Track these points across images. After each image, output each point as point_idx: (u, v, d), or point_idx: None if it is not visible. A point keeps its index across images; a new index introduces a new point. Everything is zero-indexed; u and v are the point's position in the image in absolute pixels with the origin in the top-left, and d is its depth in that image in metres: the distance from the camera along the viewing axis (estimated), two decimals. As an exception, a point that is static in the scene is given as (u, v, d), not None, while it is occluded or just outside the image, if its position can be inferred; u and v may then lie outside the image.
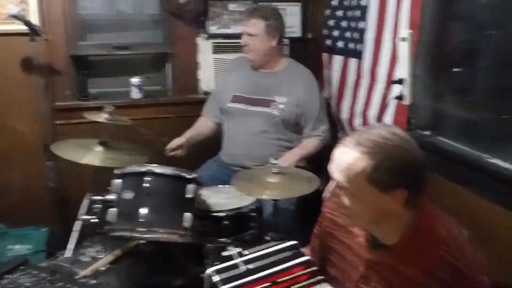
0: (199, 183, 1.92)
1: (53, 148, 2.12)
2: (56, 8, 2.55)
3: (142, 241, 2.06)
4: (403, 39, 1.77)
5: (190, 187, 1.85)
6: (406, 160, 1.06)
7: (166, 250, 2.11)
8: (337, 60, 2.57)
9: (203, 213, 1.99)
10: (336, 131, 2.71)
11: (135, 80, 2.76)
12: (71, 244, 1.96)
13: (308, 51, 2.94)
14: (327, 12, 2.64)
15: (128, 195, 1.81)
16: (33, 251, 2.70)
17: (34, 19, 2.49)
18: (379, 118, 2.15)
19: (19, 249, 2.73)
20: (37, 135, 2.60)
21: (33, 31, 2.33)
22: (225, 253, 1.41)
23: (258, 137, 2.37)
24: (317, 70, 2.81)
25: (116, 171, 1.88)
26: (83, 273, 1.85)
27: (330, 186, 1.16)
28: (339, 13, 2.52)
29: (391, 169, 1.05)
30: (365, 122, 2.30)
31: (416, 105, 2.04)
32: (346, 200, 1.13)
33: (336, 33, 2.57)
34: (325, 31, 2.69)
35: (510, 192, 1.50)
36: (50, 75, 2.63)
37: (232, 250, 1.41)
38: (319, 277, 1.28)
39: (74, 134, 2.63)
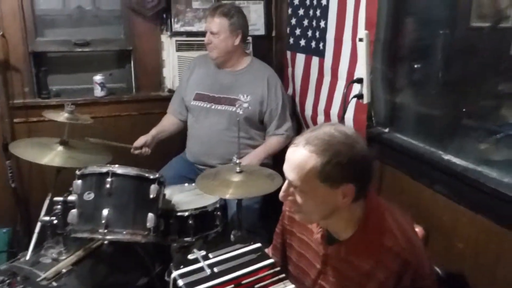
0: (162, 183, 1.92)
1: (11, 148, 2.07)
2: (11, 2, 2.46)
3: (105, 242, 2.04)
4: (360, 40, 1.81)
5: (153, 187, 1.84)
6: (352, 156, 1.11)
7: (129, 250, 2.10)
8: (300, 58, 2.60)
9: (167, 212, 1.99)
10: (301, 129, 2.76)
11: (98, 77, 2.71)
12: (31, 246, 1.93)
13: (272, 49, 2.96)
14: (289, 10, 2.66)
15: (90, 196, 1.79)
16: (2, 251, 2.64)
17: (-11, 14, 2.41)
18: (340, 116, 2.20)
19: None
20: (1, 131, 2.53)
21: (-13, 28, 2.26)
22: (190, 256, 1.42)
23: (221, 135, 2.38)
24: (281, 68, 2.86)
25: (77, 172, 1.86)
26: (44, 275, 1.82)
27: (284, 185, 1.20)
28: (301, 11, 2.56)
29: (339, 165, 1.10)
30: (327, 119, 2.35)
31: (375, 103, 2.11)
32: (299, 198, 1.18)
33: (298, 31, 2.60)
34: (288, 29, 2.72)
35: (461, 186, 1.58)
36: (8, 72, 2.55)
37: (197, 253, 1.43)
38: (281, 276, 1.32)
39: (34, 133, 2.58)
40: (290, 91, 2.78)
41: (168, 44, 2.80)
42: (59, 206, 1.90)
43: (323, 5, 2.31)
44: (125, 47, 2.77)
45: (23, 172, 2.65)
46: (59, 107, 2.63)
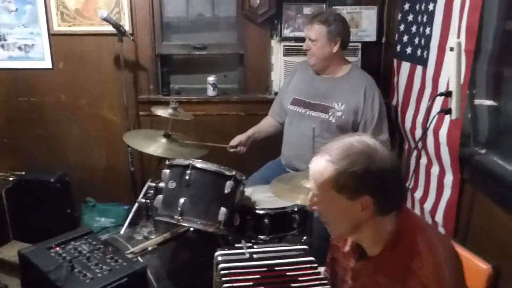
0: (239, 181, 2.02)
1: (125, 137, 2.39)
2: (144, 12, 2.84)
3: (190, 229, 2.23)
4: (451, 49, 1.65)
5: (229, 183, 1.96)
6: (368, 167, 1.08)
7: (211, 240, 2.26)
8: (405, 67, 2.46)
9: (245, 209, 2.10)
10: (403, 142, 2.61)
11: (210, 78, 2.96)
12: (126, 223, 2.22)
13: (381, 56, 2.85)
14: (399, 16, 2.53)
15: (172, 184, 1.98)
16: (114, 225, 3.09)
17: (126, 22, 2.83)
18: (436, 131, 2.03)
19: (104, 221, 3.14)
20: (123, 123, 2.95)
21: (120, 32, 2.65)
22: (237, 245, 1.53)
23: (311, 141, 2.38)
24: (389, 77, 2.73)
25: (167, 162, 2.08)
26: (132, 249, 2.08)
27: (309, 194, 1.20)
28: (410, 17, 2.41)
29: (354, 176, 1.08)
30: (424, 133, 2.18)
31: (476, 120, 1.89)
32: (321, 208, 1.19)
33: (405, 38, 2.46)
34: (396, 36, 2.59)
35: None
36: (137, 71, 2.96)
37: (244, 243, 1.52)
38: (320, 276, 1.34)
39: (155, 125, 2.92)
40: (395, 101, 2.64)
41: (277, 48, 2.90)
42: (152, 191, 2.16)
43: (429, 10, 2.15)
44: (238, 51, 2.97)
45: (139, 158, 3.02)
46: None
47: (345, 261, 1.34)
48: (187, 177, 1.94)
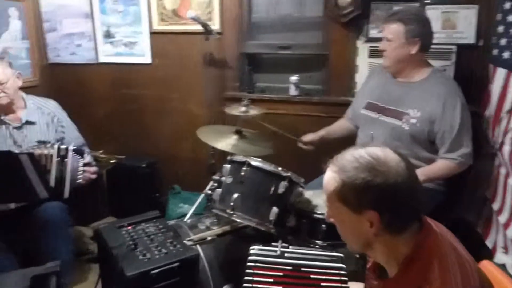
0: (294, 182, 2.01)
1: (199, 132, 2.52)
2: (233, 12, 2.96)
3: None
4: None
5: (283, 184, 1.96)
6: (371, 180, 1.03)
7: (269, 238, 2.28)
8: (500, 73, 2.18)
9: (301, 211, 2.09)
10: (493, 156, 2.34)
11: (293, 78, 2.97)
12: (190, 212, 2.36)
13: (478, 60, 2.56)
14: (498, 16, 2.25)
15: (229, 179, 2.05)
16: (195, 213, 3.27)
17: (216, 21, 2.98)
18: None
19: (186, 208, 3.33)
20: (208, 118, 3.11)
21: (207, 31, 2.80)
22: (273, 243, 1.57)
23: (382, 148, 2.26)
24: (483, 84, 2.45)
25: (228, 157, 2.15)
26: (192, 237, 2.20)
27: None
28: (510, 18, 2.13)
29: (356, 188, 1.04)
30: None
31: None
32: (334, 221, 1.16)
33: (503, 41, 2.18)
34: (493, 39, 2.31)
35: None
36: (223, 69, 3.09)
37: (280, 243, 1.57)
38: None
39: (239, 122, 3.02)
40: (487, 112, 2.37)
41: (362, 50, 2.80)
42: (216, 184, 2.25)
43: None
44: (322, 51, 2.93)
45: (220, 152, 3.13)
46: (257, 101, 3.04)
47: (369, 278, 1.27)
48: (242, 174, 1.99)
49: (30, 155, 1.93)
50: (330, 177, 1.11)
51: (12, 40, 3.08)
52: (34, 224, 2.31)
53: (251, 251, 1.48)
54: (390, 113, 2.26)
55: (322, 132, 2.57)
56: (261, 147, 2.44)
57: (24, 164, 1.88)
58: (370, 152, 1.08)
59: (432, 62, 2.39)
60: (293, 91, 3.00)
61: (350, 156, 1.09)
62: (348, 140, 2.58)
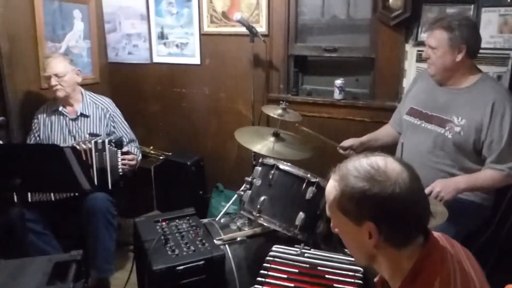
0: (323, 188, 1.97)
1: (236, 133, 2.54)
2: (280, 14, 2.96)
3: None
4: None
5: (311, 189, 1.95)
6: (368, 189, 1.00)
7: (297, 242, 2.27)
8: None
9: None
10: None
11: (338, 81, 2.91)
12: (222, 212, 2.40)
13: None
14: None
15: (258, 182, 2.07)
16: (235, 212, 3.32)
17: (264, 23, 3.00)
18: None
19: (229, 207, 3.41)
20: (253, 118, 3.13)
21: (252, 33, 2.82)
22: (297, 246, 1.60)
23: (423, 157, 2.15)
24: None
25: (260, 160, 2.16)
26: (222, 236, 2.24)
27: None
28: None
29: (353, 198, 1.02)
30: None
31: None
32: (338, 232, 1.14)
33: None
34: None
35: None
36: (269, 70, 3.10)
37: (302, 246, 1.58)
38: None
39: (282, 123, 3.03)
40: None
41: (411, 53, 2.68)
42: (248, 186, 2.27)
43: None
44: (369, 54, 2.84)
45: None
46: (302, 104, 3.02)
47: None
48: (270, 177, 2.00)
49: (74, 149, 2.07)
50: (331, 185, 1.09)
51: (75, 40, 3.30)
52: (81, 213, 2.47)
53: (273, 248, 1.49)
54: (434, 120, 2.15)
55: (364, 138, 2.50)
56: (298, 151, 2.42)
57: (68, 157, 2.01)
58: (371, 161, 1.05)
59: (486, 68, 2.25)
60: (337, 95, 2.94)
61: (351, 165, 1.07)
62: (392, 147, 2.50)
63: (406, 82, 2.75)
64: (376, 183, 1.00)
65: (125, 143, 2.76)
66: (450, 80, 2.12)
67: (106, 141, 2.55)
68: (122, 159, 2.63)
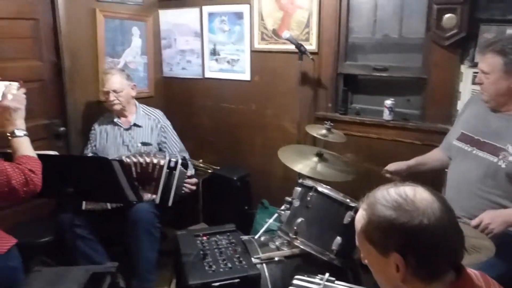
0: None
1: (279, 151, 2.54)
2: (330, 32, 2.94)
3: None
4: None
5: (349, 214, 1.91)
6: (395, 219, 0.97)
7: (339, 269, 2.21)
8: None
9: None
10: None
11: (388, 102, 2.84)
12: (261, 231, 2.40)
13: None
14: None
15: (296, 203, 2.05)
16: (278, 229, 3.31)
17: (314, 41, 2.99)
18: None
19: (272, 224, 3.39)
20: (299, 136, 3.12)
21: (300, 51, 2.83)
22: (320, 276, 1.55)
23: (472, 186, 2.04)
24: None
25: (299, 180, 2.14)
26: (260, 255, 2.24)
27: None
28: None
29: (379, 228, 1.00)
30: None
31: None
32: (367, 262, 1.12)
33: None
34: None
35: None
36: (317, 88, 3.08)
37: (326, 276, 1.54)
38: None
39: (327, 143, 2.99)
40: None
41: (467, 75, 2.56)
42: (288, 206, 2.26)
43: None
44: (421, 75, 2.75)
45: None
46: (349, 123, 2.97)
47: None
48: (308, 199, 1.99)
49: (121, 162, 2.16)
50: (360, 214, 1.08)
51: (132, 56, 3.47)
52: (126, 223, 2.57)
53: (294, 281, 1.46)
54: (486, 148, 2.03)
55: (412, 161, 2.40)
56: (341, 172, 2.38)
57: (116, 169, 2.11)
58: (399, 190, 1.02)
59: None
60: (386, 115, 2.86)
61: (380, 194, 1.05)
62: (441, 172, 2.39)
63: (460, 105, 2.62)
64: (403, 213, 0.97)
65: (189, 166, 2.87)
66: (505, 106, 2.00)
67: (179, 161, 2.67)
68: (186, 182, 2.75)
